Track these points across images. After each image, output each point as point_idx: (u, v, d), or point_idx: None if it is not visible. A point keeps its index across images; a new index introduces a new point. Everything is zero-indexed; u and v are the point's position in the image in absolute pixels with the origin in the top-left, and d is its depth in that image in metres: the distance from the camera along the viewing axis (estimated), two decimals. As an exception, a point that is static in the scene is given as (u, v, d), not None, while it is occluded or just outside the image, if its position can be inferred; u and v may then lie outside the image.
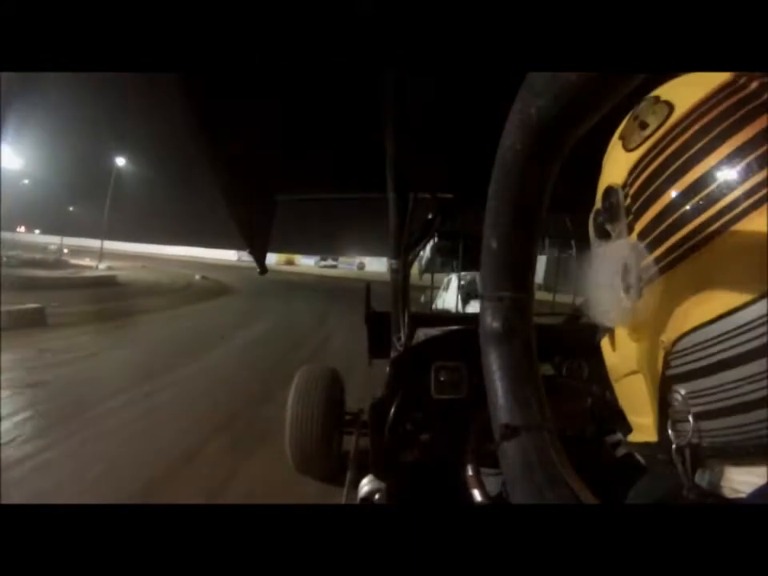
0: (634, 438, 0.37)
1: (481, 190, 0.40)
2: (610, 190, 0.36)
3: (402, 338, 1.05)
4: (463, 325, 1.04)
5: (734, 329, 0.26)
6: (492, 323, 0.40)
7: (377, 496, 0.72)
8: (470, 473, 0.75)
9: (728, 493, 0.29)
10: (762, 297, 0.25)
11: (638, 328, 0.33)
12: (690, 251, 0.28)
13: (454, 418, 0.93)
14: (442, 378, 0.98)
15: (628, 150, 0.35)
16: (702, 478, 0.30)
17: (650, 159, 0.32)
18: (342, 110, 0.79)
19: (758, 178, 0.26)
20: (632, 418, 0.38)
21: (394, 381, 0.98)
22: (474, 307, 2.21)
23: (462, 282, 2.38)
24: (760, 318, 0.25)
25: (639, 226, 0.32)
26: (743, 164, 0.26)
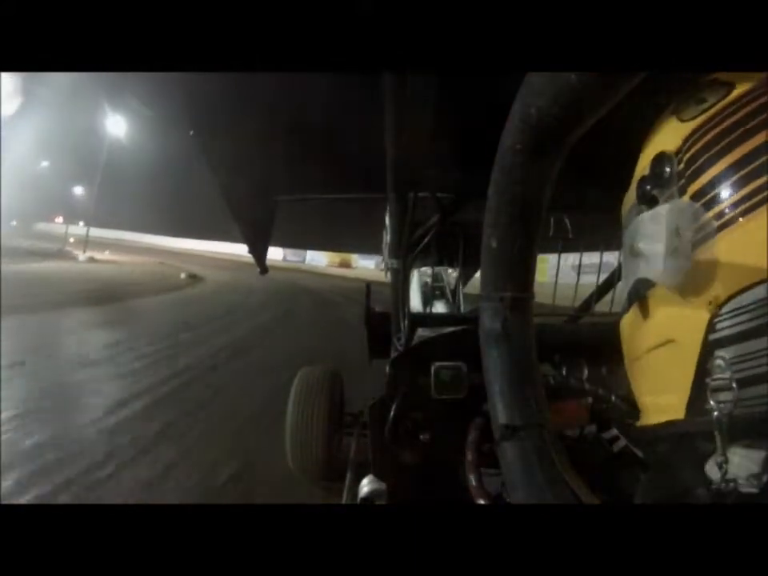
0: (648, 420, 0.36)
1: (481, 189, 0.40)
2: (662, 157, 0.36)
3: (402, 338, 1.05)
4: (463, 325, 1.04)
5: None
6: (492, 323, 0.40)
7: (377, 497, 0.72)
8: (470, 473, 0.75)
9: (751, 480, 0.28)
10: None
11: (685, 289, 0.33)
12: (744, 213, 0.29)
13: (454, 418, 0.93)
14: (442, 378, 0.98)
15: (683, 120, 0.35)
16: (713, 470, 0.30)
17: (707, 129, 0.33)
18: (342, 110, 0.79)
19: None
20: (651, 399, 0.37)
21: (394, 381, 0.98)
22: (438, 308, 2.13)
23: (427, 280, 2.27)
24: None
25: (693, 189, 0.33)
26: None
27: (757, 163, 0.29)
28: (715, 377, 0.30)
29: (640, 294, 0.38)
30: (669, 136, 0.36)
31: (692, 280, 0.31)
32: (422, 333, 1.17)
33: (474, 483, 0.71)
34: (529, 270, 0.40)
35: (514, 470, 0.36)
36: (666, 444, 0.36)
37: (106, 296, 7.03)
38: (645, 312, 0.37)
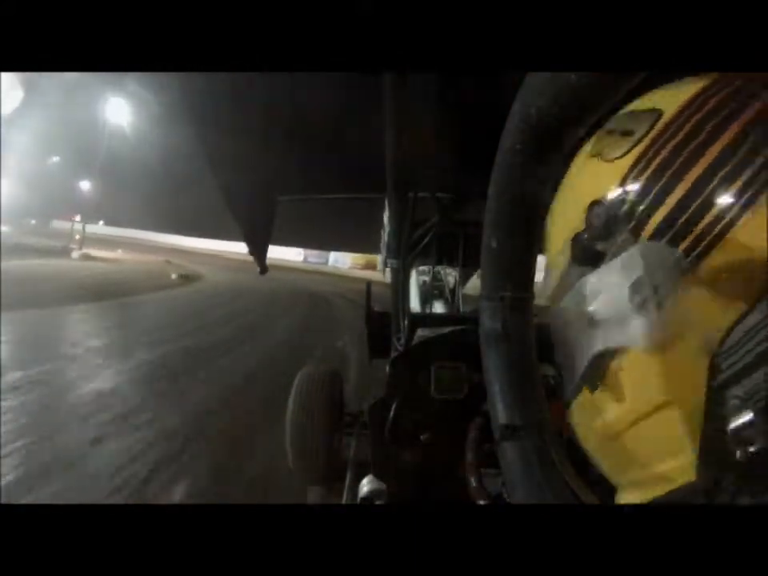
0: (658, 490, 0.31)
1: (481, 189, 0.40)
2: (597, 205, 0.33)
3: (402, 338, 1.05)
4: (463, 325, 1.04)
5: None
6: (492, 323, 0.40)
7: (377, 497, 0.72)
8: (470, 473, 0.75)
9: None
10: None
11: (669, 342, 0.29)
12: (718, 238, 0.27)
13: (454, 418, 0.93)
14: (442, 378, 0.98)
15: (610, 160, 0.33)
16: None
17: (647, 161, 0.31)
18: (343, 110, 0.79)
19: (758, 163, 0.26)
20: (642, 473, 0.32)
21: (394, 381, 0.98)
22: (436, 307, 2.11)
23: (425, 279, 2.25)
24: None
25: (650, 229, 0.30)
26: (748, 145, 0.27)
27: (717, 181, 0.27)
28: (734, 418, 0.26)
29: (601, 370, 0.33)
30: (598, 181, 0.34)
31: (674, 330, 0.28)
32: (421, 333, 1.17)
33: (473, 483, 0.71)
34: (529, 270, 0.40)
35: (513, 470, 0.36)
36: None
37: (74, 296, 6.46)
38: (615, 387, 0.33)
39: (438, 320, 1.31)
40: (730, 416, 0.26)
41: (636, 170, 0.32)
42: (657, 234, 0.30)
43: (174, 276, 10.57)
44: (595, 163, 0.35)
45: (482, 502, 0.60)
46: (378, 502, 0.59)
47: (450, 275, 2.28)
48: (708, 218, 0.27)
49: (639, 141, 0.32)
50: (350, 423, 2.05)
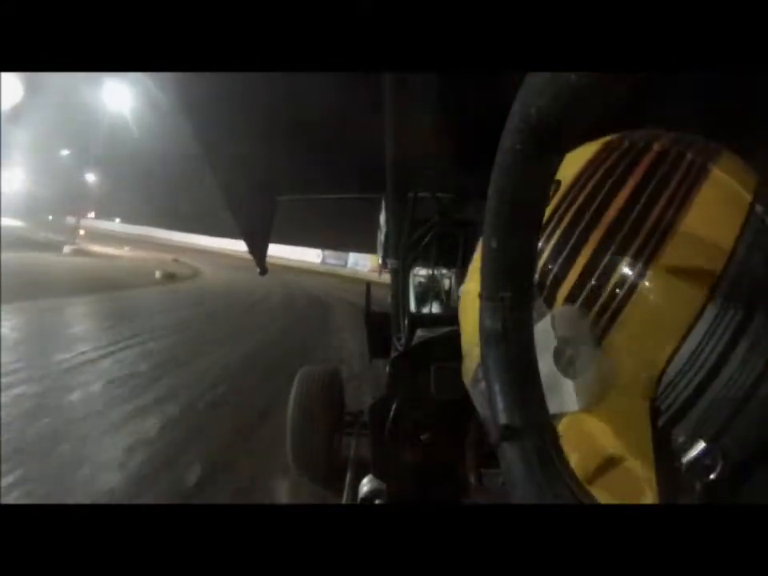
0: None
1: (481, 189, 0.40)
2: None
3: (402, 338, 1.05)
4: None
5: (711, 326, 0.26)
6: (492, 323, 0.40)
7: (377, 497, 0.72)
8: (470, 473, 0.75)
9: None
10: (712, 295, 0.26)
11: (603, 396, 0.29)
12: (629, 293, 0.28)
13: (454, 418, 0.93)
14: (441, 378, 0.98)
15: None
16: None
17: (550, 231, 0.32)
18: (343, 110, 0.79)
19: (654, 216, 0.28)
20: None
21: (394, 381, 0.98)
22: (433, 309, 2.12)
23: (421, 280, 2.26)
24: (717, 317, 0.26)
25: (562, 296, 0.31)
26: (640, 207, 0.29)
27: (620, 239, 0.29)
28: (688, 451, 0.27)
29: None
30: None
31: (610, 381, 0.29)
32: (421, 333, 1.17)
33: (473, 483, 0.71)
34: (529, 270, 0.40)
35: (513, 470, 0.36)
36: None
37: (43, 290, 6.07)
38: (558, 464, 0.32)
39: (437, 320, 1.31)
40: (682, 452, 0.27)
41: (541, 240, 0.32)
42: (569, 299, 0.31)
43: (157, 274, 9.77)
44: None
45: (481, 502, 0.60)
46: (377, 502, 0.59)
47: (447, 277, 2.28)
48: (615, 277, 0.29)
49: None
50: (350, 423, 2.05)
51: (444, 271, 2.23)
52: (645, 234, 0.29)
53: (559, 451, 0.36)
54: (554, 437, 0.37)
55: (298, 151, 0.99)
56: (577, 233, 0.31)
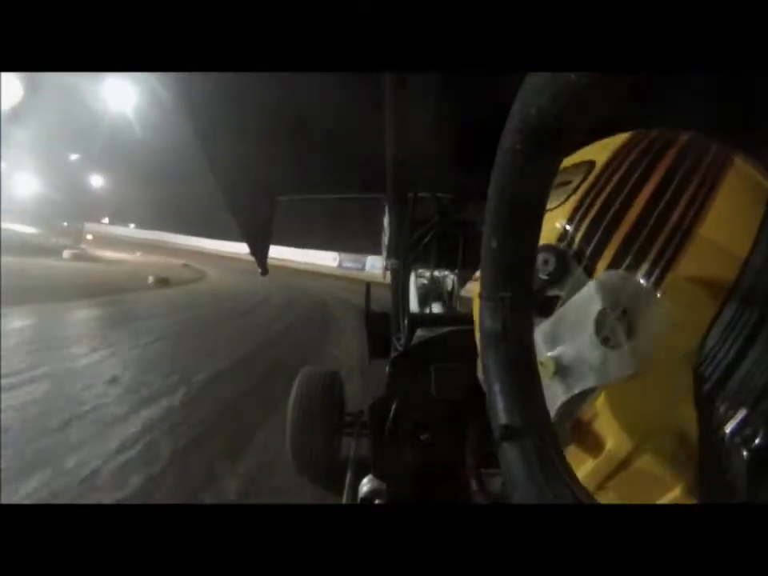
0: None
1: (481, 189, 0.40)
2: (547, 250, 0.34)
3: (402, 339, 1.05)
4: (463, 325, 1.04)
5: (735, 311, 0.27)
6: (491, 323, 0.40)
7: (377, 497, 0.72)
8: (470, 473, 0.75)
9: None
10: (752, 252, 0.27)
11: (648, 365, 0.29)
12: (673, 257, 0.29)
13: (454, 418, 0.93)
14: (441, 379, 0.98)
15: (551, 209, 0.34)
16: None
17: (589, 203, 0.33)
18: (343, 110, 0.79)
19: (692, 189, 0.30)
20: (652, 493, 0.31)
21: (394, 381, 0.98)
22: (434, 309, 2.14)
23: (424, 281, 2.28)
24: (741, 302, 0.26)
25: (604, 263, 0.31)
26: (676, 183, 0.30)
27: (661, 206, 0.30)
28: (731, 419, 0.27)
29: (570, 422, 0.33)
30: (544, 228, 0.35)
31: (656, 348, 0.28)
32: (421, 333, 1.17)
33: (474, 483, 0.71)
34: (529, 270, 0.40)
35: (513, 470, 0.36)
36: None
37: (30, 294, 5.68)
38: (589, 434, 0.32)
39: (437, 320, 1.31)
40: (725, 420, 0.27)
41: (579, 214, 0.33)
42: (611, 267, 0.31)
43: (150, 279, 9.31)
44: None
45: (481, 502, 0.60)
46: (377, 502, 0.59)
47: (448, 278, 2.30)
48: (659, 243, 0.29)
49: (576, 189, 0.34)
50: (350, 423, 2.05)
51: (446, 272, 2.24)
52: (683, 206, 0.30)
53: (559, 451, 0.36)
54: (554, 437, 0.37)
55: (298, 151, 0.99)
56: (615, 207, 0.31)
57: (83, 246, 16.05)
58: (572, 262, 0.33)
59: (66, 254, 13.25)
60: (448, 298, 2.24)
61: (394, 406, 0.94)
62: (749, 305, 0.27)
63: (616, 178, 0.32)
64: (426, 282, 2.24)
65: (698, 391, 0.28)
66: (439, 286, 2.28)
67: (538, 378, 0.40)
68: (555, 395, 0.32)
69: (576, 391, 0.31)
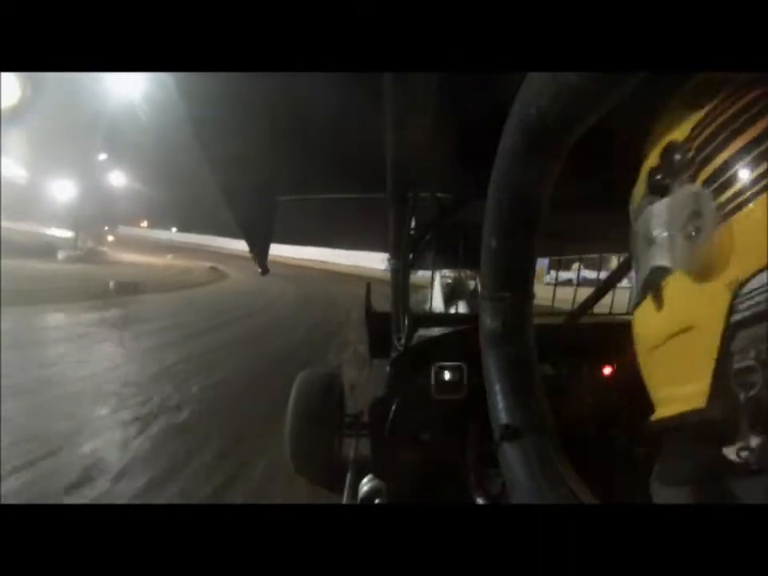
0: (671, 410, 0.35)
1: (481, 189, 0.40)
2: (672, 145, 0.36)
3: (403, 338, 1.05)
4: (463, 325, 1.04)
5: None
6: (492, 323, 0.40)
7: (377, 496, 0.72)
8: (470, 473, 0.75)
9: None
10: None
11: (703, 273, 0.32)
12: (756, 195, 0.29)
13: (454, 417, 0.93)
14: (442, 378, 0.98)
15: (692, 107, 0.35)
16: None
17: (717, 114, 0.33)
18: (343, 110, 0.79)
19: None
20: (669, 390, 0.36)
21: (394, 381, 0.98)
22: (460, 308, 2.17)
23: (449, 281, 2.33)
24: None
25: (704, 175, 0.33)
26: None
27: (765, 146, 0.29)
28: (739, 359, 0.30)
29: (655, 284, 0.37)
30: (678, 124, 0.36)
31: (709, 263, 0.31)
32: (422, 333, 1.17)
33: (473, 483, 0.71)
34: (529, 270, 0.40)
35: (514, 469, 0.36)
36: (684, 433, 0.35)
37: None
38: (660, 301, 0.37)
39: (438, 320, 1.31)
40: (737, 356, 0.29)
41: (707, 120, 0.34)
42: (710, 179, 0.32)
43: (111, 284, 8.03)
44: (681, 108, 0.37)
45: (481, 502, 0.60)
46: (377, 501, 0.59)
47: (472, 278, 2.34)
48: (751, 177, 0.30)
49: (717, 94, 0.33)
50: (350, 424, 2.04)
51: (469, 273, 2.27)
52: None
53: (559, 451, 0.36)
54: (554, 437, 0.37)
55: (298, 151, 0.99)
56: (734, 125, 0.31)
57: (104, 248, 15.74)
58: (685, 164, 0.35)
59: (61, 254, 12.51)
60: (471, 297, 2.27)
61: (393, 406, 0.94)
62: None
63: (754, 93, 0.31)
64: (450, 281, 2.27)
65: (728, 318, 0.30)
66: (464, 286, 2.31)
67: (539, 377, 0.40)
68: (648, 261, 0.36)
69: (659, 263, 0.35)
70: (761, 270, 0.29)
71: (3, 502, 1.74)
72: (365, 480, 0.77)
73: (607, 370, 0.99)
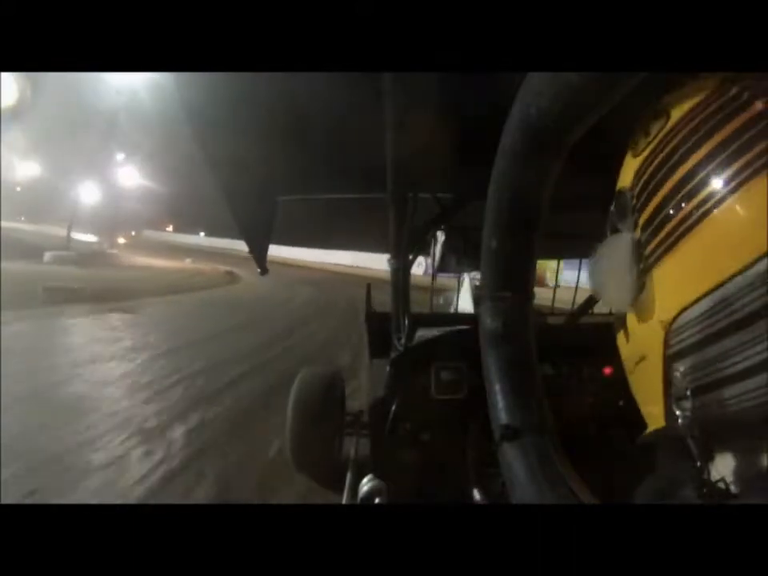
0: (647, 429, 0.38)
1: (481, 189, 0.40)
2: (620, 193, 0.38)
3: (403, 338, 1.04)
4: (463, 325, 1.04)
5: (721, 301, 0.28)
6: (492, 323, 0.40)
7: (377, 496, 0.72)
8: (470, 473, 0.75)
9: (738, 484, 0.29)
10: (745, 269, 0.27)
11: (643, 311, 0.35)
12: (683, 235, 0.31)
13: (454, 417, 0.93)
14: (442, 378, 0.98)
15: (635, 156, 0.37)
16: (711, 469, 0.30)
17: (650, 161, 0.35)
18: (343, 110, 0.79)
19: (736, 166, 0.28)
20: (643, 409, 0.38)
21: (394, 381, 0.98)
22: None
23: (476, 283, 2.34)
24: (743, 289, 0.27)
25: (642, 220, 0.35)
26: (722, 158, 0.29)
27: (689, 186, 0.30)
28: (675, 388, 0.32)
29: (619, 318, 0.40)
30: (626, 172, 0.38)
31: (644, 303, 0.34)
32: (421, 333, 1.17)
33: (474, 483, 0.71)
34: (528, 270, 0.40)
35: (514, 469, 0.36)
36: (658, 450, 0.37)
37: None
38: (626, 332, 0.39)
39: (438, 320, 1.31)
40: (675, 385, 0.32)
41: (643, 168, 0.35)
42: (646, 224, 0.34)
43: (40, 289, 6.40)
44: (629, 155, 0.39)
45: (481, 502, 0.60)
46: (378, 500, 0.59)
47: None
48: (682, 213, 0.31)
49: (651, 141, 0.35)
50: (350, 423, 2.04)
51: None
52: (728, 174, 0.29)
53: (559, 451, 0.36)
54: (554, 437, 0.37)
55: (298, 151, 0.99)
56: (664, 169, 0.33)
57: (114, 251, 15.72)
58: (630, 210, 0.37)
59: (48, 256, 11.50)
60: None
61: (394, 406, 0.94)
62: (734, 304, 0.27)
63: (679, 137, 0.33)
64: (479, 283, 2.29)
65: (665, 351, 0.33)
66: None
67: (539, 377, 0.40)
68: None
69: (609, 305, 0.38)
70: (685, 309, 0.31)
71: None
72: (365, 480, 0.77)
73: (607, 370, 0.99)
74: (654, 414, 0.36)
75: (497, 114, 0.37)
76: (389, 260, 1.11)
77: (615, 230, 0.39)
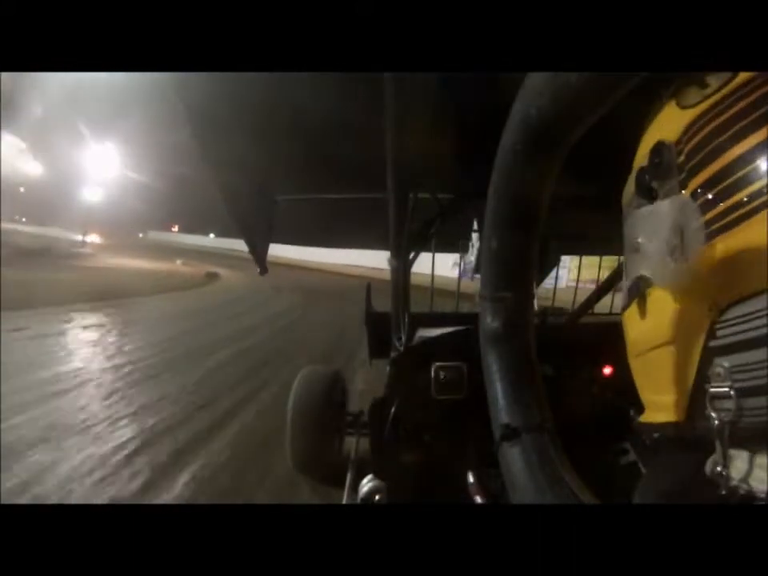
0: (649, 417, 0.35)
1: (481, 189, 0.40)
2: (661, 146, 0.33)
3: (403, 338, 1.04)
4: (464, 325, 1.04)
5: None
6: (492, 323, 0.40)
7: (377, 496, 0.72)
8: (471, 473, 0.75)
9: (755, 484, 0.27)
10: None
11: (683, 292, 0.30)
12: (748, 215, 0.27)
13: (455, 418, 0.93)
14: (442, 378, 0.98)
15: (683, 107, 0.32)
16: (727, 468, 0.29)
17: (710, 118, 0.30)
18: (342, 110, 0.79)
19: None
20: (650, 397, 0.36)
21: (394, 381, 0.98)
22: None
23: None
24: None
25: (693, 185, 0.30)
26: None
27: (761, 160, 0.26)
28: (715, 385, 0.29)
29: (640, 291, 0.35)
30: (669, 124, 0.33)
31: (692, 282, 0.29)
32: (422, 333, 1.16)
33: (473, 483, 0.71)
34: (529, 270, 0.40)
35: (514, 469, 0.36)
36: (665, 443, 0.35)
37: None
38: (645, 310, 0.35)
39: (438, 319, 1.30)
40: (713, 381, 0.29)
41: (699, 124, 0.31)
42: (700, 190, 0.30)
43: None
44: (672, 106, 0.34)
45: (481, 502, 0.60)
46: (377, 498, 0.59)
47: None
48: (745, 193, 0.27)
49: (712, 94, 0.30)
50: (350, 423, 2.04)
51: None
52: None
53: (559, 451, 0.36)
54: (554, 437, 0.37)
55: (298, 151, 0.99)
56: (732, 130, 0.28)
57: (85, 249, 15.68)
58: (674, 169, 0.32)
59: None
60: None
61: (394, 406, 0.93)
62: None
63: (750, 99, 0.28)
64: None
65: (706, 342, 0.29)
66: None
67: (539, 377, 0.40)
68: (634, 268, 0.35)
69: (642, 273, 0.33)
70: (744, 298, 0.27)
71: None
72: (365, 480, 0.77)
73: (607, 370, 0.99)
74: (665, 404, 0.32)
75: (497, 113, 0.37)
76: (389, 259, 1.11)
77: (648, 188, 0.34)
